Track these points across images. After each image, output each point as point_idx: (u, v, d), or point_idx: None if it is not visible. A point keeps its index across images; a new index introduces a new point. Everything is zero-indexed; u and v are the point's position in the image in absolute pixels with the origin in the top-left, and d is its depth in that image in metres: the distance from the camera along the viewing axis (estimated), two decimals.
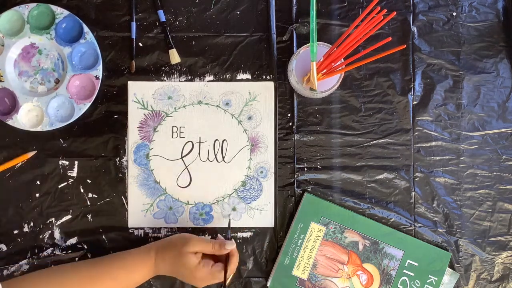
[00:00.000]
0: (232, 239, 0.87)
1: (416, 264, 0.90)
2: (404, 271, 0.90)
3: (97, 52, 0.91)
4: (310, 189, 0.93)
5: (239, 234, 0.92)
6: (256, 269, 0.92)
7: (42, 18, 0.91)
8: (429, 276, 0.90)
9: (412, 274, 0.90)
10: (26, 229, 0.90)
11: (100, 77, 0.91)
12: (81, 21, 0.90)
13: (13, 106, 0.90)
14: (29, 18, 0.90)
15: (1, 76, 0.90)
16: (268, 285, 0.91)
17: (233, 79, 0.93)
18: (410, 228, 0.92)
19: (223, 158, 0.93)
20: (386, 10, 0.77)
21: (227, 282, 0.83)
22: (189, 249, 0.81)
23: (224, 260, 0.84)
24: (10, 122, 0.90)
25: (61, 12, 0.90)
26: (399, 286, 0.90)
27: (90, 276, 0.80)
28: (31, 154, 0.91)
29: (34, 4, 0.90)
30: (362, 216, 0.91)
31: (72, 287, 0.79)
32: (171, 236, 0.86)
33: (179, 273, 0.83)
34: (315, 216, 0.91)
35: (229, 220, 0.90)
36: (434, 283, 0.90)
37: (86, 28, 0.91)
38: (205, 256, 0.84)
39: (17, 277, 0.86)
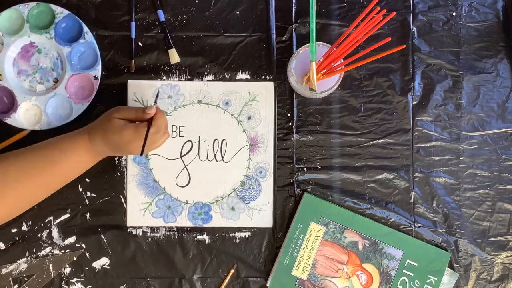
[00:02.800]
0: (156, 106, 0.85)
1: (416, 264, 0.92)
2: (404, 271, 0.92)
3: (96, 52, 0.93)
4: (309, 189, 0.94)
5: (238, 234, 0.94)
6: (254, 269, 0.94)
7: (42, 17, 0.92)
8: (429, 276, 0.92)
9: (412, 274, 0.92)
10: (24, 227, 0.92)
11: (99, 77, 0.93)
12: (80, 21, 0.92)
13: (12, 105, 0.92)
14: (29, 17, 0.91)
15: (0, 74, 0.91)
16: (267, 285, 0.92)
17: (232, 79, 0.95)
18: (409, 228, 0.94)
19: (222, 157, 0.94)
20: (386, 10, 0.79)
21: (148, 142, 0.82)
22: (115, 115, 0.83)
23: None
24: (8, 120, 0.91)
25: (61, 12, 0.92)
26: (398, 286, 0.92)
27: (29, 162, 0.81)
28: (25, 132, 0.93)
29: (34, 3, 0.91)
30: (361, 216, 0.93)
31: (14, 174, 0.80)
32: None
33: (112, 142, 0.83)
34: (314, 216, 0.93)
35: (158, 91, 0.91)
36: (434, 283, 0.91)
37: (85, 28, 0.92)
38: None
39: None
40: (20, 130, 0.92)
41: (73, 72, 0.93)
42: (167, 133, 0.88)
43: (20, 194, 0.81)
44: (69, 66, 0.92)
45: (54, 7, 0.92)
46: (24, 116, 0.92)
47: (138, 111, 0.84)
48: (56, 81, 0.94)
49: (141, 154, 0.81)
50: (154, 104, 0.85)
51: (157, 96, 0.89)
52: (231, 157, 0.95)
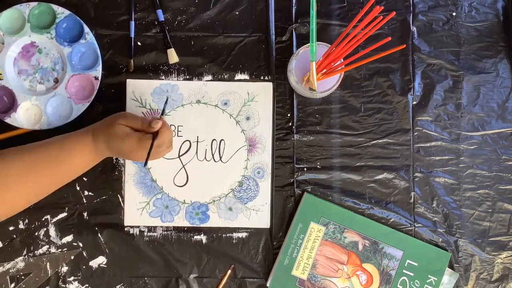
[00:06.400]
0: (162, 118, 0.86)
1: (416, 264, 0.94)
2: (404, 271, 0.94)
3: (97, 53, 0.96)
4: (309, 189, 0.97)
5: (235, 234, 0.97)
6: (251, 269, 0.96)
7: (43, 17, 0.95)
8: (429, 276, 0.94)
9: (412, 274, 0.94)
10: (21, 225, 0.95)
11: (100, 78, 0.95)
12: (81, 21, 0.95)
13: (12, 105, 0.94)
14: (30, 17, 0.94)
15: (0, 74, 0.94)
16: (267, 285, 0.95)
17: (231, 79, 0.98)
18: (409, 228, 0.97)
19: (220, 158, 0.98)
20: (383, 8, 0.81)
21: (151, 154, 0.83)
22: (120, 121, 0.85)
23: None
24: (8, 120, 0.94)
25: (62, 12, 0.95)
26: (398, 286, 0.94)
27: (31, 161, 0.83)
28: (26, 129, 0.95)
29: (35, 3, 0.94)
30: (361, 216, 0.96)
31: (16, 172, 0.82)
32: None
33: (114, 147, 0.85)
34: (314, 216, 0.95)
35: (167, 98, 0.93)
36: (434, 283, 0.94)
37: (86, 29, 0.95)
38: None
39: None
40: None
41: (73, 72, 0.95)
42: (170, 147, 0.90)
43: (21, 192, 0.84)
44: (70, 66, 0.95)
45: (55, 7, 0.95)
46: (24, 116, 0.95)
47: (144, 122, 0.85)
48: (57, 81, 0.97)
49: (144, 165, 0.84)
50: (161, 116, 0.87)
51: (166, 104, 0.89)
52: (229, 157, 0.98)
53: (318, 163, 0.98)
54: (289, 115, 0.98)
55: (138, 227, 0.96)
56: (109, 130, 0.85)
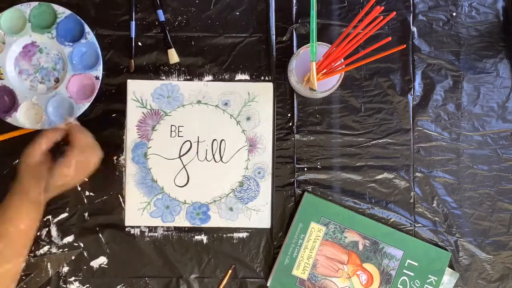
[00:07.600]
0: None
1: (416, 264, 0.95)
2: (404, 271, 0.95)
3: (97, 53, 0.96)
4: (310, 189, 0.98)
5: (235, 235, 0.97)
6: (251, 269, 0.97)
7: (43, 17, 0.96)
8: (429, 276, 0.95)
9: (412, 274, 0.95)
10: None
11: (100, 78, 0.96)
12: (82, 21, 0.96)
13: (13, 104, 0.95)
14: (30, 17, 0.95)
15: (1, 74, 0.95)
16: (268, 284, 0.96)
17: (231, 79, 0.99)
18: (410, 228, 0.97)
19: (221, 158, 0.98)
20: (383, 8, 0.81)
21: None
22: (30, 159, 0.87)
23: None
24: (9, 120, 0.94)
25: (62, 12, 0.95)
26: (399, 286, 0.95)
27: None
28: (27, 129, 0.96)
29: (36, 3, 0.95)
30: (362, 216, 0.96)
31: None
32: None
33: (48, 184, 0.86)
34: (315, 216, 0.96)
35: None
36: (434, 283, 0.94)
37: (87, 28, 0.96)
38: None
39: None
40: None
41: (74, 72, 0.96)
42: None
43: None
44: (70, 66, 0.96)
45: (56, 7, 0.95)
46: (25, 116, 0.95)
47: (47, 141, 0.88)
48: (57, 81, 0.97)
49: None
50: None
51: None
52: (230, 157, 0.98)
53: (319, 163, 0.99)
54: (289, 115, 0.99)
55: (139, 227, 0.97)
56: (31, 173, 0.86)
